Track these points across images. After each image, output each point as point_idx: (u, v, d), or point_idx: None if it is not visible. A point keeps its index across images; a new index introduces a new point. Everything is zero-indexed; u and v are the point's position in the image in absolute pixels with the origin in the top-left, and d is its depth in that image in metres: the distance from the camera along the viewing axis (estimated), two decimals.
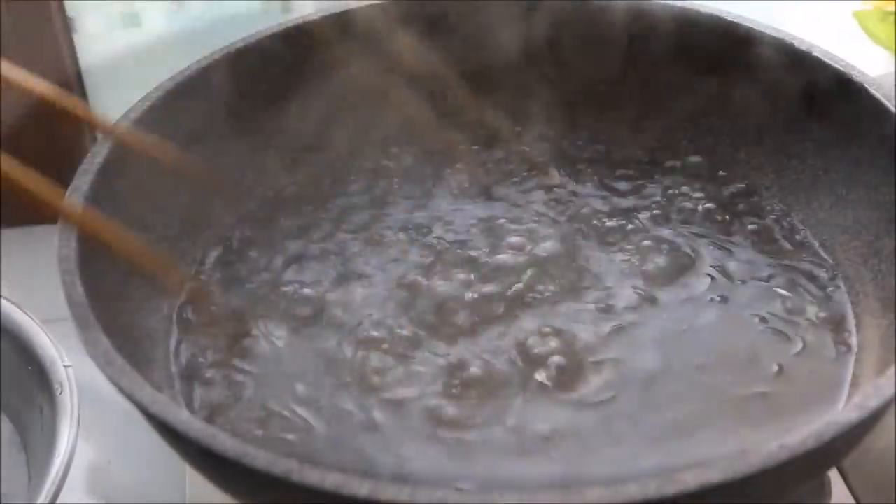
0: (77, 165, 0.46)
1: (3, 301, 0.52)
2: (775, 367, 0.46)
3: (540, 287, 0.49)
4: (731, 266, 0.51)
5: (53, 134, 0.62)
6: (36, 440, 0.50)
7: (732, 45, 0.53)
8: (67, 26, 0.61)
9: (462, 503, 0.33)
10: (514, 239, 0.52)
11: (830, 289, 0.49)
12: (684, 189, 0.55)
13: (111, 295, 0.43)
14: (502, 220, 0.53)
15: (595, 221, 0.53)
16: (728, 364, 0.46)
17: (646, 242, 0.52)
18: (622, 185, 0.56)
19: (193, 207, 0.52)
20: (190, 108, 0.51)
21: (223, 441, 0.34)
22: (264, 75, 0.55)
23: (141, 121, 0.49)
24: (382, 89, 0.54)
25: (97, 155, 0.46)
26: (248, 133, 0.55)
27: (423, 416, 0.44)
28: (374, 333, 0.47)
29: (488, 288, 0.49)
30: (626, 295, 0.49)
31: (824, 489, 0.46)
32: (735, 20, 0.53)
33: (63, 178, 0.45)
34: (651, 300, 0.49)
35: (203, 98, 0.52)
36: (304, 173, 0.57)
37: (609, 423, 0.43)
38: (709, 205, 0.54)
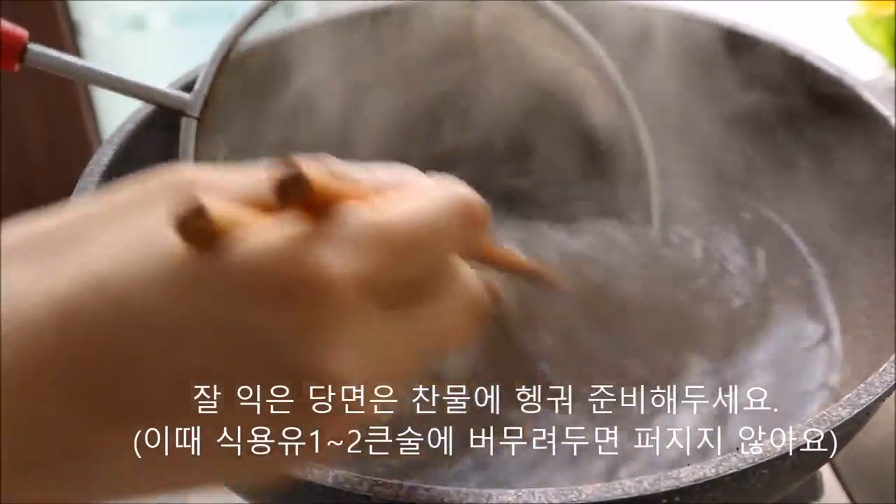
0: (82, 168, 0.46)
1: None
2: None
3: None
4: (729, 265, 0.51)
5: (57, 136, 0.63)
6: None
7: (729, 49, 0.53)
8: (73, 30, 0.61)
9: (460, 501, 0.34)
10: None
11: (825, 289, 0.50)
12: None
13: None
14: None
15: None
16: None
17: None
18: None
19: None
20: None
21: None
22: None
23: (146, 121, 0.49)
24: None
25: (103, 155, 0.47)
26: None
27: None
28: None
29: None
30: None
31: (816, 486, 0.47)
32: (731, 25, 0.53)
33: (67, 180, 0.45)
34: None
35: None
36: None
37: None
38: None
